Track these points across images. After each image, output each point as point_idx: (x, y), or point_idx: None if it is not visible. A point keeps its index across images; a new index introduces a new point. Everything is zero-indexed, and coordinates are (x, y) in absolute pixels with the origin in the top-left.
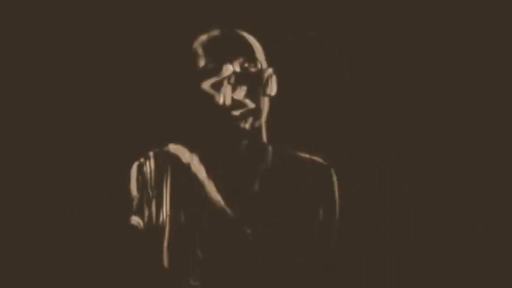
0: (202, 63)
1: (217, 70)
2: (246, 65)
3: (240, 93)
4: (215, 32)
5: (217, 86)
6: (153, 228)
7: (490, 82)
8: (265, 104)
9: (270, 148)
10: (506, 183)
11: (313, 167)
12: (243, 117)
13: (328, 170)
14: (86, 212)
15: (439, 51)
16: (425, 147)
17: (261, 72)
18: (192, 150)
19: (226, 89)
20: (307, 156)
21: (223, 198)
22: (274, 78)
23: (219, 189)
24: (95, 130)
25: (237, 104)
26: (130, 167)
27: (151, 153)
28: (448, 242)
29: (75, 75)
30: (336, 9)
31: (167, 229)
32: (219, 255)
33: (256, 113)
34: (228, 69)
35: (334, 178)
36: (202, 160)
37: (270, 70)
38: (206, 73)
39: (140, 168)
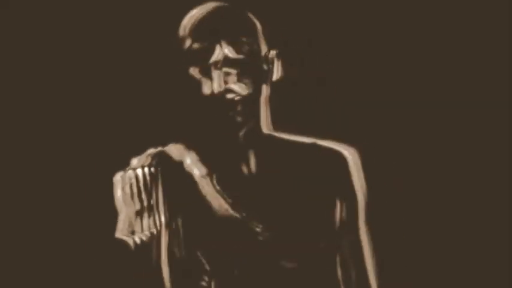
0: (188, 44)
1: (207, 52)
2: (242, 47)
3: (232, 79)
4: (206, 7)
5: (206, 71)
6: (148, 241)
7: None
8: (264, 90)
9: (271, 137)
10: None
11: (325, 153)
12: (235, 105)
13: (345, 157)
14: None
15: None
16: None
17: (260, 55)
18: (183, 146)
19: (216, 74)
20: (318, 142)
21: (224, 196)
22: (278, 62)
23: (218, 186)
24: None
25: (228, 91)
26: (113, 173)
27: (135, 159)
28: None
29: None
30: None
31: (164, 238)
32: (227, 258)
33: (251, 101)
34: (219, 52)
35: (354, 166)
36: (198, 156)
37: (273, 53)
38: (193, 56)
39: (126, 176)
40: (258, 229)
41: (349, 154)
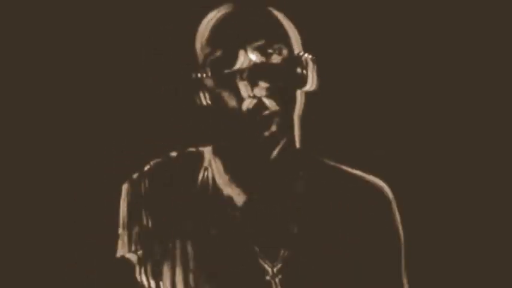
0: (207, 52)
1: (230, 60)
2: (270, 51)
3: (261, 90)
4: (224, 8)
5: (229, 83)
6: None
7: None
8: (298, 102)
9: (306, 158)
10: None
11: (363, 185)
12: (265, 122)
13: (383, 192)
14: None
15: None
16: None
17: (292, 60)
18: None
19: (243, 86)
20: (356, 171)
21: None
22: (312, 68)
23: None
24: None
25: (256, 105)
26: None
27: (148, 166)
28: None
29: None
30: None
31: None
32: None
33: (283, 115)
34: (245, 58)
35: (393, 203)
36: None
37: (307, 56)
38: (213, 66)
39: (133, 187)
40: (268, 267)
41: (385, 190)
